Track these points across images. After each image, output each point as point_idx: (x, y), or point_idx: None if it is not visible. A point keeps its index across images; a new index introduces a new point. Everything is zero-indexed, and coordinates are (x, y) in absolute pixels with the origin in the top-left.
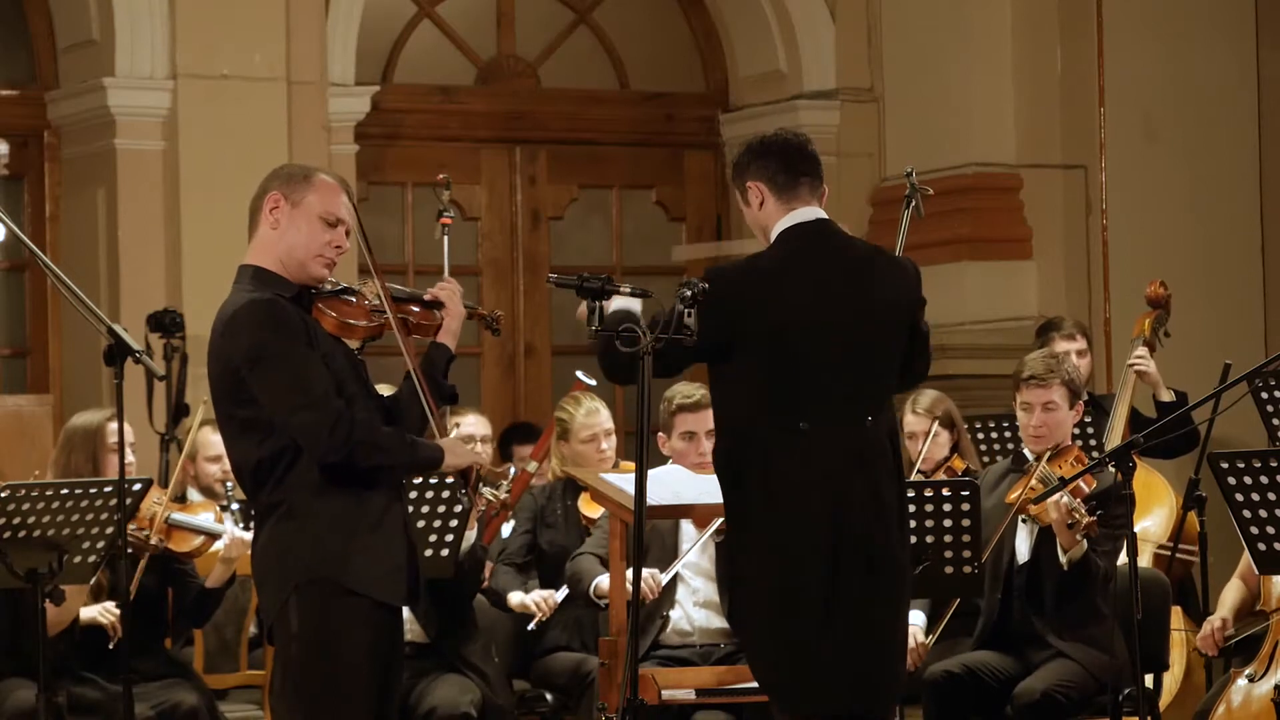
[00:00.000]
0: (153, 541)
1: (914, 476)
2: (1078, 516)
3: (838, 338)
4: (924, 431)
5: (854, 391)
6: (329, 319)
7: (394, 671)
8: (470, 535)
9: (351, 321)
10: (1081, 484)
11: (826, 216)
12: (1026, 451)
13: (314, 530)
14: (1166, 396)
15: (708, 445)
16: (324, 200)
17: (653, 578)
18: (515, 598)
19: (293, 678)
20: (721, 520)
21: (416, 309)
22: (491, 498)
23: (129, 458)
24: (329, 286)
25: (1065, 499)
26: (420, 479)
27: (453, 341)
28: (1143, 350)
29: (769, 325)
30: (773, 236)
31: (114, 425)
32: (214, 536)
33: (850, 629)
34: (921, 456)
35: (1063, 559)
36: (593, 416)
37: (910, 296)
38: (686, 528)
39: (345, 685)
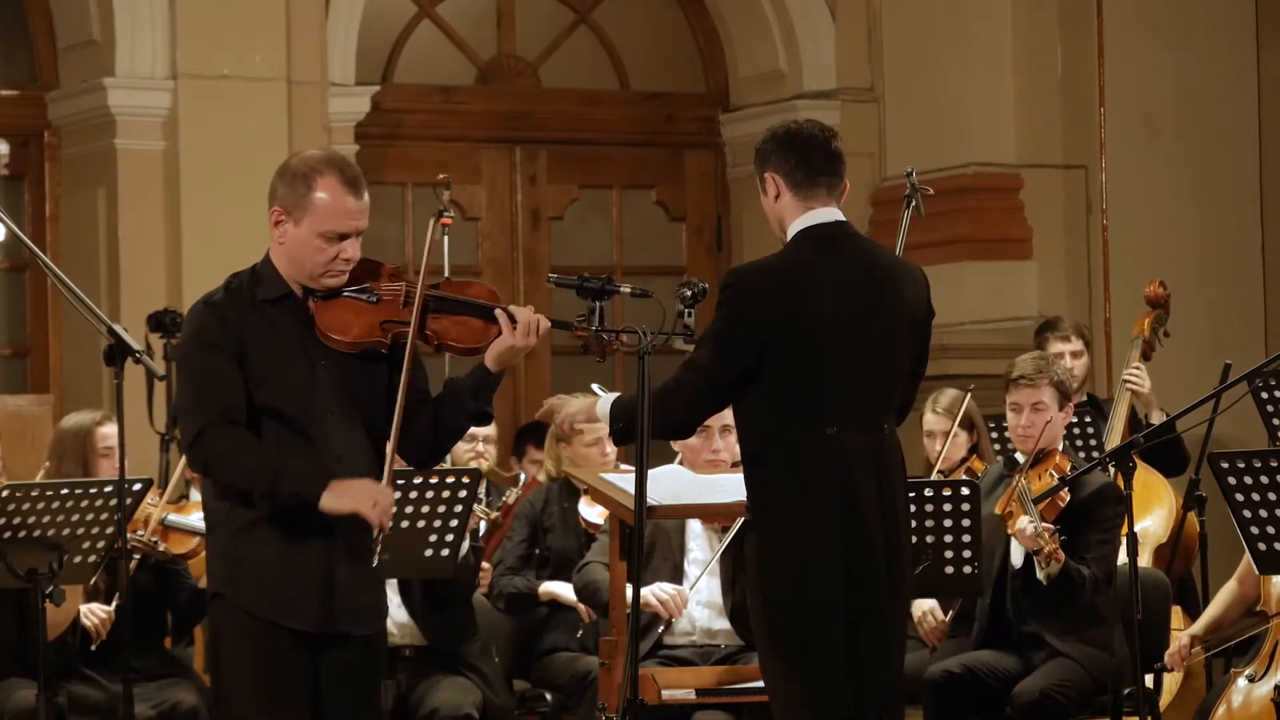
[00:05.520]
0: (156, 545)
1: (934, 477)
2: (1042, 544)
3: (863, 343)
4: (943, 431)
5: (874, 397)
6: (319, 323)
7: (312, 698)
8: (464, 545)
9: (337, 336)
10: (1056, 500)
11: (844, 219)
12: (1019, 456)
13: (225, 543)
14: (1157, 419)
15: (720, 442)
16: (324, 218)
17: (680, 594)
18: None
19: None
20: (736, 521)
21: (460, 321)
22: (484, 515)
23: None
24: (348, 289)
25: (1031, 527)
26: (420, 478)
27: (496, 366)
28: (1138, 366)
29: (800, 329)
30: (789, 233)
31: (103, 429)
32: None
33: (877, 634)
34: (942, 457)
35: (1040, 575)
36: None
37: (925, 306)
38: (693, 526)
39: (238, 710)
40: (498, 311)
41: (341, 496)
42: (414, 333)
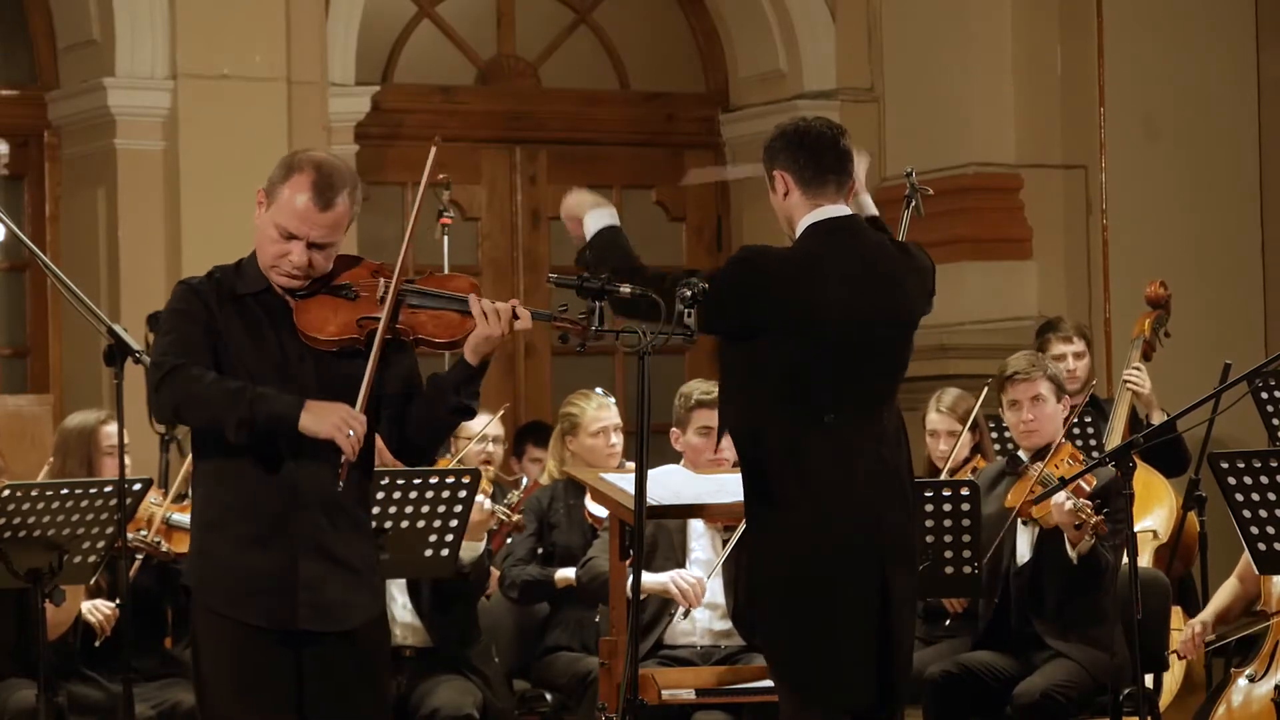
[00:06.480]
0: (159, 545)
1: (943, 478)
2: (1084, 516)
3: (865, 333)
4: (947, 430)
5: (874, 385)
6: (299, 324)
7: (297, 699)
8: (479, 546)
9: (315, 334)
10: (1081, 483)
11: (852, 213)
12: (1021, 454)
13: (195, 538)
14: (1158, 419)
15: (725, 442)
16: (281, 211)
17: (701, 583)
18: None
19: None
20: (740, 522)
21: (436, 315)
22: (504, 516)
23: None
24: (326, 286)
25: (1070, 501)
26: (420, 479)
27: (475, 358)
28: (1138, 366)
29: (802, 318)
30: (799, 229)
31: (107, 428)
32: None
33: (886, 621)
34: (951, 457)
35: (1072, 553)
36: (603, 411)
37: (926, 291)
38: (695, 526)
39: (214, 708)
40: (470, 299)
41: (320, 418)
42: (384, 326)
